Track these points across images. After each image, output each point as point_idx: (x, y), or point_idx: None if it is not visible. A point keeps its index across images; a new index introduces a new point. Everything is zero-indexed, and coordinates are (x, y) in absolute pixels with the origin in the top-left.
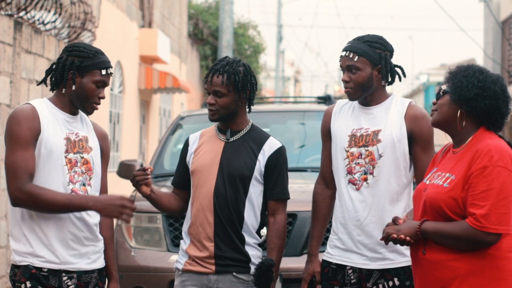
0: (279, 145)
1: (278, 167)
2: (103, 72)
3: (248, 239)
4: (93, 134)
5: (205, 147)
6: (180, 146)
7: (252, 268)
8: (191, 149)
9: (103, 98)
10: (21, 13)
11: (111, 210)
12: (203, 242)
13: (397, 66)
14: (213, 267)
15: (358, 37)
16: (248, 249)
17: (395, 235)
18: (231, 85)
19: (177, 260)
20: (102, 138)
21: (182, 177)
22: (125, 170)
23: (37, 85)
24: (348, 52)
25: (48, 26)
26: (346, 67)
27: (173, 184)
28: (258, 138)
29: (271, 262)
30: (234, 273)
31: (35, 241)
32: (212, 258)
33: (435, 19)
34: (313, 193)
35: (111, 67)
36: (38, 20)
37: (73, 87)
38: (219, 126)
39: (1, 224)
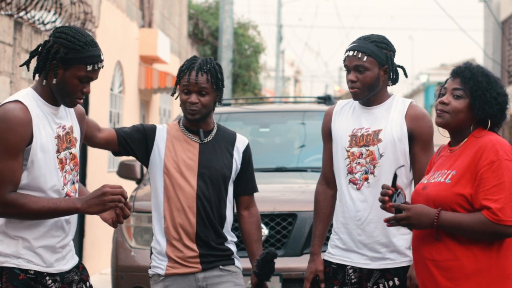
0: (247, 140)
1: (250, 162)
2: (89, 68)
3: (229, 237)
4: (75, 119)
5: (176, 146)
6: None
7: (236, 262)
8: (160, 139)
9: (88, 93)
10: (21, 13)
11: (95, 203)
12: (184, 242)
13: (399, 66)
14: (199, 266)
15: (364, 37)
16: (229, 246)
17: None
18: (215, 83)
19: (152, 265)
20: (81, 119)
21: (126, 136)
22: (125, 170)
23: (20, 66)
24: (355, 51)
25: (48, 26)
26: (354, 67)
27: (117, 130)
28: (227, 136)
29: (274, 253)
30: (221, 266)
31: (20, 246)
32: (197, 257)
33: (435, 19)
34: (315, 193)
35: (101, 61)
36: (38, 20)
37: (54, 80)
38: (187, 126)
39: None
